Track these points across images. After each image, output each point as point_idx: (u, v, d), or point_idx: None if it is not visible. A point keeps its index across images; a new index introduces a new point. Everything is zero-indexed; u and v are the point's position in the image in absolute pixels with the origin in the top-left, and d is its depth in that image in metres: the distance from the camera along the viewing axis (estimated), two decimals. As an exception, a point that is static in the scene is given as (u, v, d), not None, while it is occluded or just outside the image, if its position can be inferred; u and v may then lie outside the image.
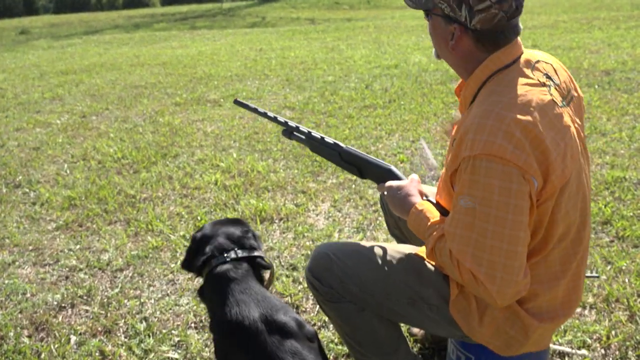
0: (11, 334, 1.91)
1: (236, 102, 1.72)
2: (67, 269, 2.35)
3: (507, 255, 1.04)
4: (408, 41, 9.52)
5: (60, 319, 2.00)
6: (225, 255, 1.41)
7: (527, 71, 1.14)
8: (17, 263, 2.42)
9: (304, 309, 1.97)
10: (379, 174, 1.40)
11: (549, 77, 1.16)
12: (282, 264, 2.27)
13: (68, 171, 3.66)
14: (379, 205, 2.56)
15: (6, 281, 2.27)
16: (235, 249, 1.43)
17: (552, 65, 1.21)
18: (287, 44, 10.82)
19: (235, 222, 1.57)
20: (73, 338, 1.88)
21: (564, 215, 1.12)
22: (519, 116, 1.03)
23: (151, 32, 16.48)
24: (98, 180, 3.41)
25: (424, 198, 1.30)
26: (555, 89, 1.15)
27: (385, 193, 1.34)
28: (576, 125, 1.16)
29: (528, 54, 1.19)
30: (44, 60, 10.11)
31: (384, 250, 1.36)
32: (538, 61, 1.18)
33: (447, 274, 1.22)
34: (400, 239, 1.65)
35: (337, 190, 3.03)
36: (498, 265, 1.04)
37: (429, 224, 1.20)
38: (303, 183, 3.18)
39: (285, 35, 13.11)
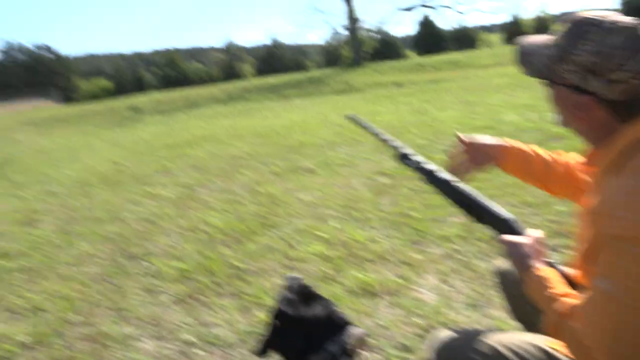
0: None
1: (348, 117, 1.69)
2: (183, 343, 2.45)
3: None
4: (498, 100, 9.37)
5: (179, 394, 2.07)
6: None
7: None
8: (137, 336, 2.57)
9: (418, 393, 1.90)
10: (494, 223, 1.29)
11: None
12: (395, 344, 2.22)
13: (179, 243, 3.88)
14: (491, 278, 2.45)
15: (128, 354, 2.40)
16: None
17: None
18: (374, 109, 11.05)
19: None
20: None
21: None
22: None
23: (246, 103, 17.54)
24: (207, 252, 3.59)
25: (545, 260, 1.20)
26: None
27: (503, 245, 1.25)
28: None
29: None
30: (152, 135, 11.04)
31: (514, 339, 1.28)
32: None
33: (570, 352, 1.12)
34: (527, 325, 1.56)
35: (443, 262, 2.96)
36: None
37: (550, 293, 1.11)
38: (406, 253, 3.14)
39: (371, 100, 13.43)
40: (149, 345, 2.48)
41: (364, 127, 1.60)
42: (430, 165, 1.43)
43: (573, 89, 1.08)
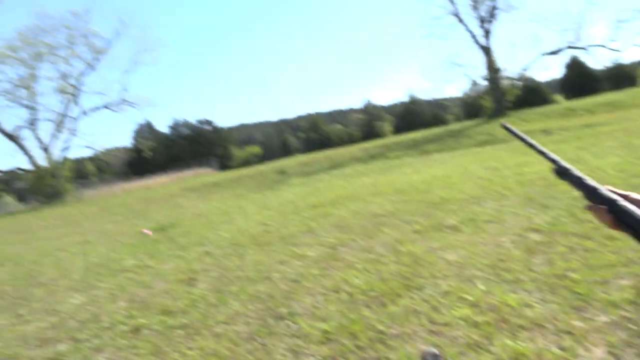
0: None
1: (504, 126, 1.59)
2: (327, 408, 2.43)
3: None
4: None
5: None
6: None
7: None
8: (284, 398, 2.60)
9: None
10: None
11: None
12: None
13: (323, 303, 3.93)
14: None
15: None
16: None
17: None
18: (522, 160, 10.43)
19: None
20: None
21: None
22: None
23: (386, 161, 17.74)
24: (349, 314, 3.57)
25: None
26: None
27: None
28: None
29: None
30: (297, 196, 11.59)
31: None
32: None
33: None
34: None
35: (612, 332, 2.60)
36: None
37: None
38: (566, 321, 2.82)
39: (518, 150, 12.72)
40: (294, 408, 2.49)
41: (519, 137, 1.50)
42: (593, 182, 1.29)
43: None
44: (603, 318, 2.77)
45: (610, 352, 2.42)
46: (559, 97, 47.04)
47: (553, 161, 1.41)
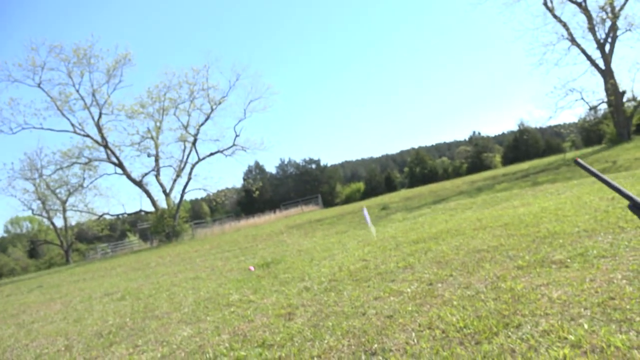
0: None
1: (577, 162, 1.59)
2: None
3: None
4: None
5: None
6: None
7: None
8: None
9: None
10: None
11: None
12: None
13: (415, 340, 3.87)
14: None
15: None
16: None
17: None
18: (645, 188, 9.55)
19: None
20: None
21: None
22: None
23: (493, 193, 17.02)
24: (441, 351, 3.49)
25: None
26: None
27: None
28: None
29: None
30: (399, 232, 11.49)
31: None
32: None
33: None
34: None
35: None
36: None
37: None
38: (681, 366, 2.55)
39: (641, 178, 11.66)
40: None
41: (592, 173, 1.50)
42: None
43: None
44: None
45: None
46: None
47: (628, 197, 1.42)
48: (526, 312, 3.94)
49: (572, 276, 4.67)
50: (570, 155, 31.87)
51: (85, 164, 42.35)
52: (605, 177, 1.44)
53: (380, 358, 3.65)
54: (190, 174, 43.64)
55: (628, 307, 3.54)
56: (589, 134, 43.99)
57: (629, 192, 1.38)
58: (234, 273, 10.39)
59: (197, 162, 44.58)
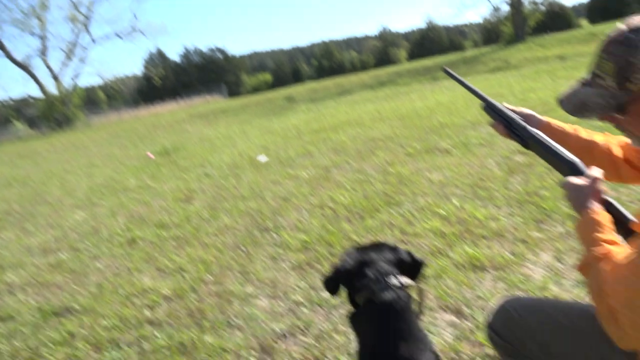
0: (244, 353, 2.26)
1: (444, 70, 1.77)
2: (293, 302, 2.67)
3: None
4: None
5: (282, 345, 2.28)
6: (387, 280, 1.33)
7: None
8: (256, 295, 2.85)
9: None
10: (560, 166, 1.32)
11: None
12: (487, 314, 2.17)
13: (307, 218, 4.14)
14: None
15: (247, 309, 2.68)
16: (395, 273, 1.35)
17: None
18: (529, 86, 10.31)
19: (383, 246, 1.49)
20: (289, 365, 2.12)
21: None
22: None
23: (395, 87, 17.53)
24: (329, 227, 3.78)
25: (603, 198, 1.19)
26: None
27: (564, 188, 1.25)
28: None
29: None
30: (302, 122, 11.66)
31: (572, 308, 1.25)
32: None
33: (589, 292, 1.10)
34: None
35: (562, 240, 2.76)
36: None
37: (596, 236, 1.10)
38: (524, 231, 2.99)
39: (528, 76, 12.52)
40: (264, 302, 2.74)
41: (458, 81, 1.67)
42: (511, 114, 1.52)
43: None
44: (558, 229, 2.93)
45: (555, 257, 2.59)
46: (584, 22, 45.21)
47: (483, 99, 1.58)
48: (407, 192, 4.31)
49: (453, 162, 5.11)
50: (469, 53, 33.12)
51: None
52: (466, 82, 1.62)
53: (273, 234, 3.89)
54: (83, 58, 40.17)
55: (493, 186, 3.99)
56: (490, 33, 45.52)
57: (485, 95, 1.56)
58: (132, 160, 10.14)
59: (90, 45, 40.98)
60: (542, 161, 4.01)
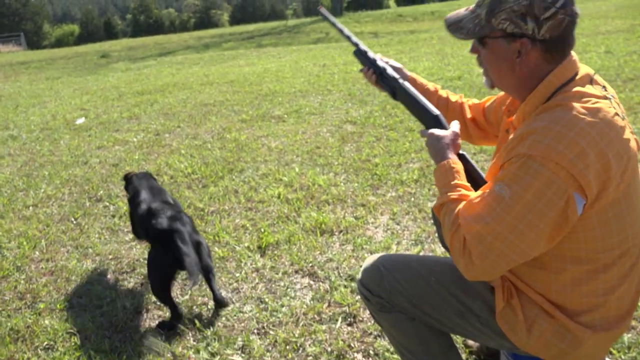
0: (93, 335, 2.10)
1: (319, 10, 1.79)
2: (142, 277, 2.54)
3: (509, 245, 1.09)
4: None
5: (136, 322, 2.17)
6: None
7: (589, 85, 1.16)
8: (98, 270, 2.64)
9: (361, 319, 2.03)
10: (425, 117, 1.43)
11: (606, 90, 1.17)
12: (341, 274, 2.35)
13: (143, 186, 3.91)
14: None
15: (89, 287, 2.48)
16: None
17: (601, 78, 1.22)
18: (350, 59, 10.95)
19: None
20: (146, 341, 2.04)
21: (619, 228, 1.13)
22: (587, 127, 1.05)
23: (220, 51, 17.17)
24: (171, 194, 3.63)
25: (460, 153, 1.36)
26: (615, 101, 1.16)
27: (425, 139, 1.40)
28: (634, 137, 1.16)
29: (584, 68, 1.20)
30: (122, 82, 10.80)
31: (433, 262, 1.40)
32: (594, 74, 1.20)
33: (441, 232, 1.28)
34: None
35: (396, 203, 3.08)
36: (496, 250, 1.10)
37: (452, 182, 1.26)
38: (363, 196, 3.25)
39: (348, 50, 13.23)
40: (108, 277, 2.56)
41: (332, 23, 1.70)
42: (383, 64, 1.60)
43: (508, 38, 1.16)
44: (392, 193, 3.25)
45: (392, 219, 2.88)
46: (392, 3, 49.24)
47: (356, 44, 1.63)
48: (248, 159, 4.34)
49: (288, 129, 5.26)
50: (292, 22, 33.80)
51: None
52: (340, 25, 1.65)
53: (107, 203, 3.61)
54: None
55: (330, 154, 4.23)
56: (310, 4, 47.12)
57: (357, 41, 1.62)
58: None
59: None
60: (371, 130, 4.36)
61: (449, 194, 1.25)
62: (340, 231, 2.80)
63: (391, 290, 1.36)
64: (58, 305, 2.32)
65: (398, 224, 2.81)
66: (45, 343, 2.05)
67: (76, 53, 22.55)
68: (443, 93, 1.68)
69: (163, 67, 13.48)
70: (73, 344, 2.05)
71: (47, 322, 2.19)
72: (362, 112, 5.60)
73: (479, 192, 1.19)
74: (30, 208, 3.63)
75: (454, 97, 1.67)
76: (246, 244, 2.77)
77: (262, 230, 2.91)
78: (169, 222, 2.09)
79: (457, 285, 1.33)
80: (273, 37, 21.29)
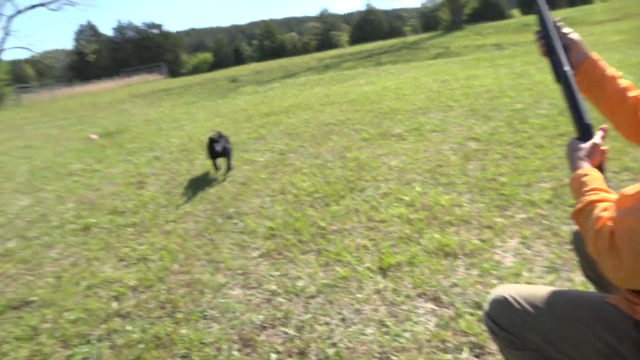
0: (225, 346, 2.22)
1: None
2: (268, 292, 2.64)
3: None
4: (610, 59, 8.61)
5: (262, 337, 2.26)
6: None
7: None
8: (229, 285, 2.80)
9: (489, 351, 1.92)
10: (575, 122, 1.34)
11: None
12: (467, 301, 2.24)
13: (269, 204, 4.10)
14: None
15: (221, 300, 2.63)
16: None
17: None
18: (471, 73, 10.62)
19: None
20: (273, 356, 2.11)
21: None
22: None
23: (340, 71, 17.56)
24: (294, 213, 3.76)
25: (599, 166, 1.26)
26: None
27: (567, 146, 1.31)
28: None
29: None
30: (250, 104, 11.48)
31: (572, 295, 1.28)
32: None
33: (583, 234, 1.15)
34: (595, 283, 1.53)
35: (527, 226, 2.89)
36: None
37: (590, 187, 1.16)
38: (489, 218, 3.10)
39: (469, 63, 12.89)
40: (237, 292, 2.70)
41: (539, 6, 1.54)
42: (558, 41, 1.46)
43: None
44: (521, 215, 3.06)
45: (522, 243, 2.71)
46: (515, 12, 47.03)
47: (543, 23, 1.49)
48: (369, 178, 4.35)
49: (408, 147, 5.20)
50: (411, 39, 33.65)
51: None
52: (545, 11, 1.51)
53: (237, 220, 3.83)
54: (7, 28, 37.50)
55: (452, 173, 4.10)
56: (428, 19, 46.60)
57: (548, 15, 1.49)
58: (73, 142, 9.63)
59: (15, 15, 38.27)
60: (497, 147, 4.16)
61: (587, 196, 1.15)
62: (465, 254, 2.69)
63: (523, 325, 1.26)
64: (193, 316, 2.49)
65: (529, 249, 2.63)
66: (182, 352, 2.21)
67: (209, 79, 24.44)
68: (622, 83, 1.44)
69: (287, 88, 14.11)
70: (205, 354, 2.18)
71: (184, 331, 2.36)
72: (486, 128, 5.38)
73: (633, 185, 1.06)
74: (171, 223, 3.97)
75: (634, 92, 1.43)
76: (367, 264, 2.76)
77: (383, 250, 2.89)
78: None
79: (601, 324, 1.20)
80: (392, 55, 21.32)
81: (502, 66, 11.04)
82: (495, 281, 2.35)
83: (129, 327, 2.46)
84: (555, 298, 1.29)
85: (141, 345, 2.29)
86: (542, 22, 1.50)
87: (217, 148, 5.01)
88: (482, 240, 2.81)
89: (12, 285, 3.16)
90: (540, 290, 1.35)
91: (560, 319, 1.24)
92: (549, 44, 1.46)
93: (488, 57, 13.66)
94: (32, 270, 3.37)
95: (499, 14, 41.77)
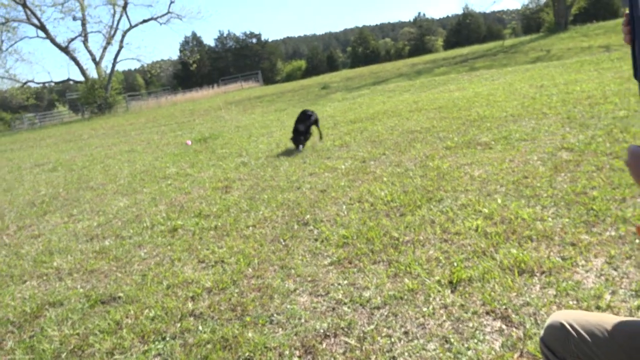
0: (287, 352, 2.26)
1: None
2: (334, 301, 2.66)
3: None
4: None
5: (324, 345, 2.28)
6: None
7: None
8: (297, 291, 2.85)
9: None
10: None
11: None
12: (538, 322, 2.11)
13: (345, 212, 4.12)
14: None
15: (288, 306, 2.69)
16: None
17: None
18: (572, 78, 9.98)
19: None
20: (333, 365, 2.12)
21: None
22: None
23: (431, 77, 17.25)
24: (368, 222, 3.75)
25: None
26: None
27: (629, 154, 1.15)
28: None
29: None
30: (338, 111, 11.60)
31: (635, 328, 1.17)
32: None
33: None
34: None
35: (616, 245, 2.66)
36: None
37: None
38: (574, 234, 2.89)
39: (571, 67, 12.12)
40: (304, 299, 2.74)
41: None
42: None
43: None
44: (611, 233, 2.82)
45: (608, 263, 2.50)
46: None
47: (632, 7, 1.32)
48: (448, 188, 4.24)
49: (494, 157, 4.99)
50: (508, 42, 32.25)
51: (2, 24, 38.43)
52: None
53: (312, 227, 3.88)
54: (121, 41, 40.91)
55: (538, 185, 3.88)
56: (529, 21, 44.33)
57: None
58: (171, 147, 10.30)
59: (129, 29, 41.73)
60: (591, 158, 3.86)
61: None
62: (543, 272, 2.53)
63: (578, 354, 1.18)
64: (260, 320, 2.56)
65: (615, 270, 2.42)
66: (247, 354, 2.28)
67: (301, 86, 25.03)
68: None
69: (375, 95, 14.10)
70: (268, 358, 2.23)
71: (250, 334, 2.44)
72: (582, 137, 5.03)
73: None
74: (250, 228, 4.11)
75: None
76: (437, 278, 2.69)
77: (455, 264, 2.80)
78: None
79: None
80: (487, 59, 20.57)
81: (608, 70, 10.27)
82: (572, 302, 2.20)
83: (200, 327, 2.58)
84: (617, 328, 1.19)
85: (209, 346, 2.39)
86: (632, 2, 1.21)
87: (313, 117, 7.53)
88: (563, 258, 2.63)
89: (103, 281, 3.44)
90: (601, 318, 1.25)
91: (619, 349, 1.15)
92: (635, 30, 1.19)
93: (593, 60, 12.76)
94: (122, 268, 3.64)
95: (611, 13, 38.83)
